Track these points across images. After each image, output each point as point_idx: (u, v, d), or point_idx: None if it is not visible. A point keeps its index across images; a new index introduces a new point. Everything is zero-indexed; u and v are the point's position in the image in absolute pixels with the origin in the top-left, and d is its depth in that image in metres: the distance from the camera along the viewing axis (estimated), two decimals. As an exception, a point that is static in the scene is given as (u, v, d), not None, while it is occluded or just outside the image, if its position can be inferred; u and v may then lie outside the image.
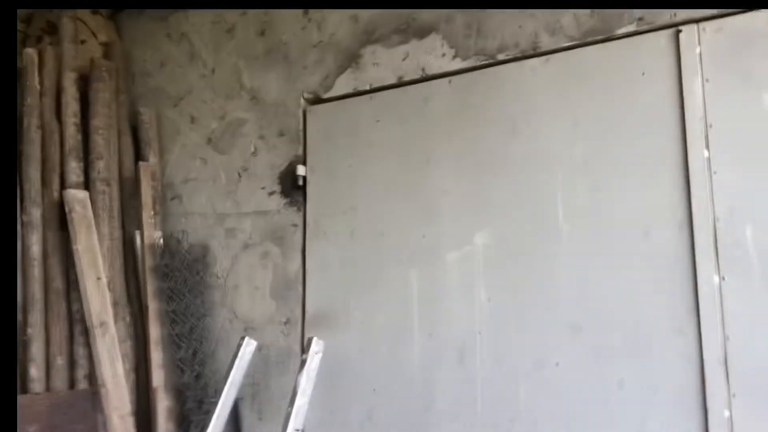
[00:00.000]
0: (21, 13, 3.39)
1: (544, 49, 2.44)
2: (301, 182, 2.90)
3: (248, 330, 2.95)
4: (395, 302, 2.63)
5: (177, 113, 3.34)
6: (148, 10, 3.50)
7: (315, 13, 2.97)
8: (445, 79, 2.64)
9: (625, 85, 2.28)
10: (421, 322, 2.56)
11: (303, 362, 2.21)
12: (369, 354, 2.65)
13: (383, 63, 2.78)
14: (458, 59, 2.62)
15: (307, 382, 2.16)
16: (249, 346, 2.34)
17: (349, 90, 2.84)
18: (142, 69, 3.48)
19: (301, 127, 2.96)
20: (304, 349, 2.25)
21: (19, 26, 3.40)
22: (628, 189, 2.24)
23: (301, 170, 2.90)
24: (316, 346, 2.24)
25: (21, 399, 2.56)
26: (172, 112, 3.35)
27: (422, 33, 2.71)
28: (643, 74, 2.25)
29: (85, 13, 3.39)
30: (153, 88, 3.43)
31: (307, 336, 2.78)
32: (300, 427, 2.09)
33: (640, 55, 2.27)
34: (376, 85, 2.78)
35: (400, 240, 2.65)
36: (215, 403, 2.40)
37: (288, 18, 3.04)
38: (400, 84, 2.74)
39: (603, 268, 2.25)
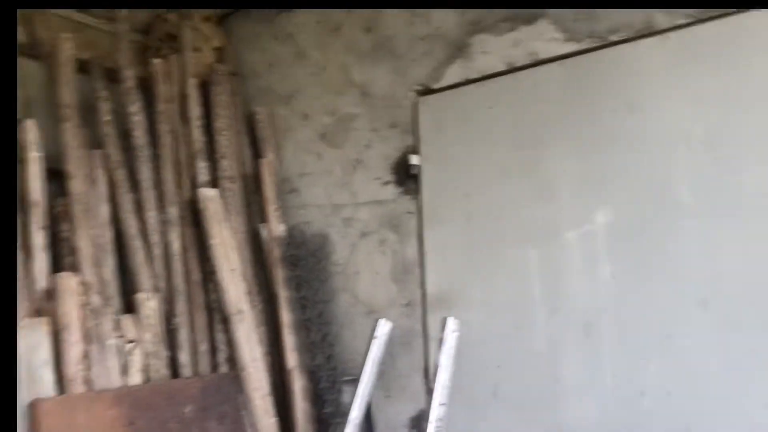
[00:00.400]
0: (140, 23, 3.62)
1: (658, 28, 2.47)
2: (415, 171, 3.02)
3: (371, 313, 3.11)
4: (515, 281, 2.72)
5: (288, 111, 3.51)
6: (254, 12, 3.68)
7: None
8: (556, 63, 2.70)
9: (746, 59, 2.29)
10: (543, 300, 2.65)
11: (440, 341, 2.34)
12: (491, 332, 2.76)
13: (492, 51, 2.86)
14: (569, 43, 2.67)
15: (446, 359, 2.29)
16: (385, 327, 2.49)
17: (459, 79, 2.94)
18: (252, 70, 3.67)
19: (412, 118, 3.07)
20: (441, 327, 2.38)
21: (139, 37, 3.64)
22: (753, 161, 2.26)
23: (414, 160, 3.02)
24: (453, 325, 2.36)
25: (176, 383, 2.80)
26: (284, 109, 3.53)
27: (531, 19, 2.77)
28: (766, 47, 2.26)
29: (198, 21, 3.60)
30: (263, 88, 3.62)
31: (429, 316, 2.92)
32: (445, 401, 2.23)
33: (760, 28, 2.28)
34: (486, 73, 2.87)
35: (517, 222, 2.74)
36: (353, 382, 2.56)
37: (393, 14, 3.15)
38: (511, 70, 2.81)
39: (730, 240, 2.28)
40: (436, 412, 2.19)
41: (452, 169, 2.93)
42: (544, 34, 2.74)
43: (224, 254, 3.00)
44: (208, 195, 3.06)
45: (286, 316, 3.06)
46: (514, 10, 2.79)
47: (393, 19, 3.15)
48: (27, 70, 3.27)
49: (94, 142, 3.14)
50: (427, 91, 3.05)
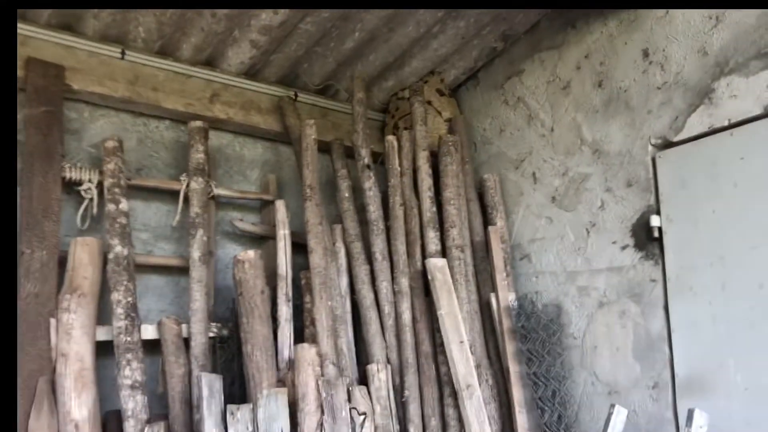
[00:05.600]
0: (379, 103, 3.85)
1: None
2: (656, 234, 2.71)
3: (612, 394, 2.81)
4: (789, 366, 2.25)
5: (519, 175, 3.42)
6: (484, 81, 3.70)
7: (655, 56, 2.80)
8: (827, 101, 2.26)
9: None
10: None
11: (685, 437, 2.00)
12: (758, 426, 2.30)
13: (743, 94, 2.48)
14: (843, 75, 2.22)
15: (692, 458, 1.95)
16: (620, 415, 2.21)
17: (704, 129, 2.60)
18: (482, 137, 3.67)
19: (650, 174, 2.78)
20: (686, 421, 2.04)
21: (378, 116, 3.87)
22: None
23: (655, 221, 2.71)
24: (701, 419, 2.01)
25: (404, 456, 2.78)
26: (514, 174, 3.44)
27: (789, 53, 2.37)
28: None
29: (430, 94, 3.71)
30: (494, 154, 3.58)
31: (679, 402, 2.54)
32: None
33: None
34: (736, 119, 2.50)
35: (787, 292, 2.29)
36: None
37: (626, 65, 2.92)
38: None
39: None
40: None
41: (701, 230, 2.57)
42: (808, 68, 2.32)
43: (453, 325, 2.95)
44: (437, 264, 3.06)
45: (517, 394, 2.89)
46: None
47: (625, 70, 2.92)
48: (282, 155, 3.66)
49: (335, 216, 3.36)
50: (666, 145, 2.75)
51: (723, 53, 2.56)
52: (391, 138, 3.37)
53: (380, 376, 2.88)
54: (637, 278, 2.78)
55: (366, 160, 3.27)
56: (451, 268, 3.13)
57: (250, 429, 2.57)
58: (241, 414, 2.59)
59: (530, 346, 2.90)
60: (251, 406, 2.61)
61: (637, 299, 2.77)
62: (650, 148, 2.80)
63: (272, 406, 2.59)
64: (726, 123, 2.52)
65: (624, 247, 2.85)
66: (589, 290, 2.98)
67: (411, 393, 2.92)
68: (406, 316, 3.05)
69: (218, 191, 3.22)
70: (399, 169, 3.32)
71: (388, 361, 3.02)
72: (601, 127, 3.01)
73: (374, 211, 3.21)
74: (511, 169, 3.47)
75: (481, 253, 3.33)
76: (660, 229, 2.70)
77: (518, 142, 3.45)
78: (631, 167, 2.86)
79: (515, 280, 3.32)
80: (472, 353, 2.98)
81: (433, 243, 3.19)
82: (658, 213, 2.73)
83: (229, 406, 2.59)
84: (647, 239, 2.76)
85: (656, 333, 2.68)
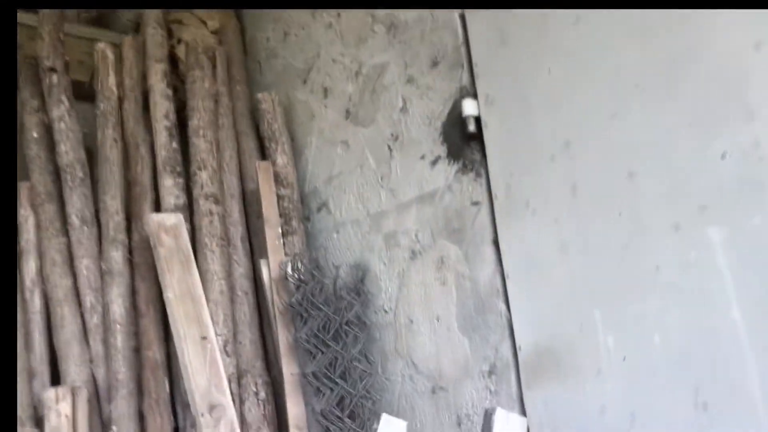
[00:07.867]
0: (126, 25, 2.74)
1: None
2: (472, 127, 1.69)
3: (437, 391, 1.77)
4: (689, 303, 1.26)
5: (307, 91, 2.37)
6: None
7: None
8: None
9: None
10: (756, 340, 1.16)
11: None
12: (651, 419, 1.30)
13: None
14: None
15: None
16: (394, 428, 1.17)
17: (526, -55, 1.60)
18: (267, 50, 2.60)
19: (460, 40, 1.77)
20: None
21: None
22: None
23: (469, 107, 1.70)
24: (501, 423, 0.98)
25: None
26: (302, 91, 2.39)
27: None
28: None
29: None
30: (280, 70, 2.52)
31: (526, 393, 1.53)
32: None
33: None
34: None
35: (676, 177, 1.30)
36: None
37: None
38: None
39: None
40: None
41: (536, 107, 1.57)
42: None
43: (188, 314, 1.85)
44: (164, 223, 1.96)
45: (293, 409, 1.82)
46: None
47: None
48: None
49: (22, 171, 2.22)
50: (477, -11, 1.74)
51: None
52: (102, 46, 2.24)
53: (60, 407, 1.75)
54: (455, 204, 1.75)
55: (55, 78, 2.13)
56: (197, 228, 2.05)
57: None
58: None
59: (309, 332, 1.83)
60: None
61: (458, 237, 1.74)
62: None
63: None
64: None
65: (435, 161, 1.82)
66: (398, 236, 1.94)
67: (120, 429, 1.80)
68: (117, 309, 1.92)
69: None
70: (116, 91, 2.21)
71: (95, 380, 1.90)
72: (394, -12, 1.98)
73: (67, 151, 2.07)
74: (299, 85, 2.41)
75: (260, 207, 2.25)
76: (478, 119, 1.69)
77: (304, 44, 2.39)
78: (436, 36, 1.84)
79: (314, 240, 2.26)
80: (230, 354, 1.90)
81: (171, 194, 2.09)
82: (474, 96, 1.71)
83: None
84: (463, 140, 1.74)
85: (485, 284, 1.65)
